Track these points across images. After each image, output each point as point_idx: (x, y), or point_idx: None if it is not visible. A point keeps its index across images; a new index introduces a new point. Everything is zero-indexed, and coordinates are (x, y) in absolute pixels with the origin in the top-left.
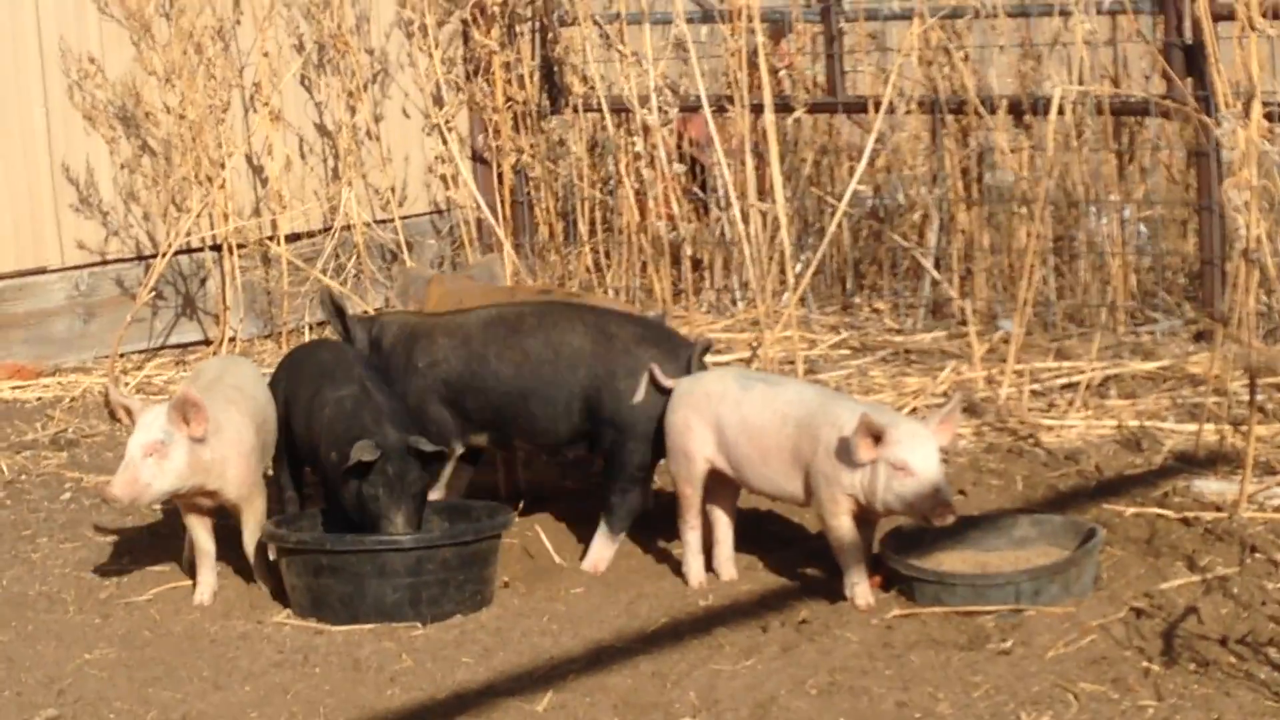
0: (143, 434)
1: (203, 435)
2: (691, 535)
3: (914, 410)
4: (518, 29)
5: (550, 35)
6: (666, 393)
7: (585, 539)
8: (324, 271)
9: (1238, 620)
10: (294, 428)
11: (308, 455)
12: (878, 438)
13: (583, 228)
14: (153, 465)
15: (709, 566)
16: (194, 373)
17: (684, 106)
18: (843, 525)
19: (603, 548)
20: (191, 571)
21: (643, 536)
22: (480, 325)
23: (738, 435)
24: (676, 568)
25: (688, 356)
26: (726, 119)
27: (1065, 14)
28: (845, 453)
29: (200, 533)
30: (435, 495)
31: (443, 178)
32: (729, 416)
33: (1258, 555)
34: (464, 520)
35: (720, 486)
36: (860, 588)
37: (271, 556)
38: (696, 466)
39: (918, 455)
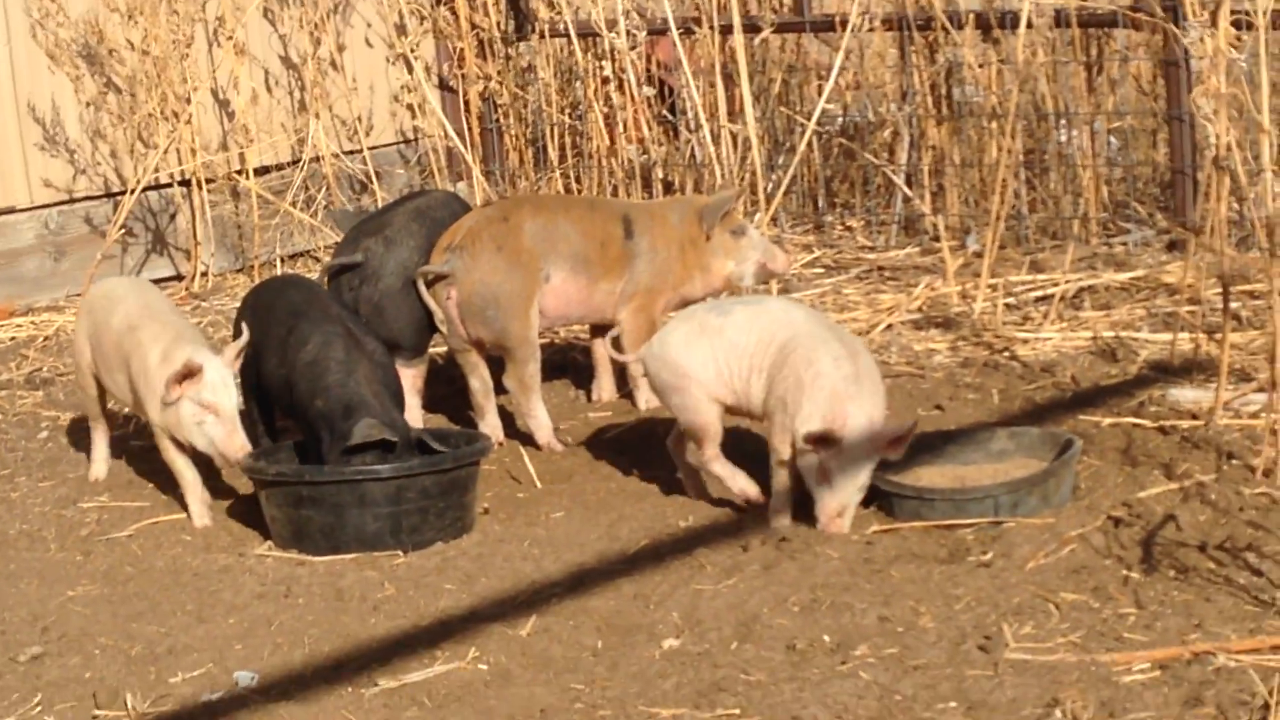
0: (231, 390)
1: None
2: (719, 465)
3: (889, 327)
4: None
5: None
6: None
7: (567, 463)
8: (293, 203)
9: (1216, 526)
10: (264, 367)
11: (281, 393)
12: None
13: (552, 153)
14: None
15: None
16: (99, 299)
17: (651, 29)
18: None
19: None
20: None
21: (622, 460)
22: None
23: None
24: (656, 490)
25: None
26: (694, 40)
27: None
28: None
29: (185, 463)
30: None
31: (409, 107)
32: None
33: (1234, 461)
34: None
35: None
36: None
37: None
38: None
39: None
